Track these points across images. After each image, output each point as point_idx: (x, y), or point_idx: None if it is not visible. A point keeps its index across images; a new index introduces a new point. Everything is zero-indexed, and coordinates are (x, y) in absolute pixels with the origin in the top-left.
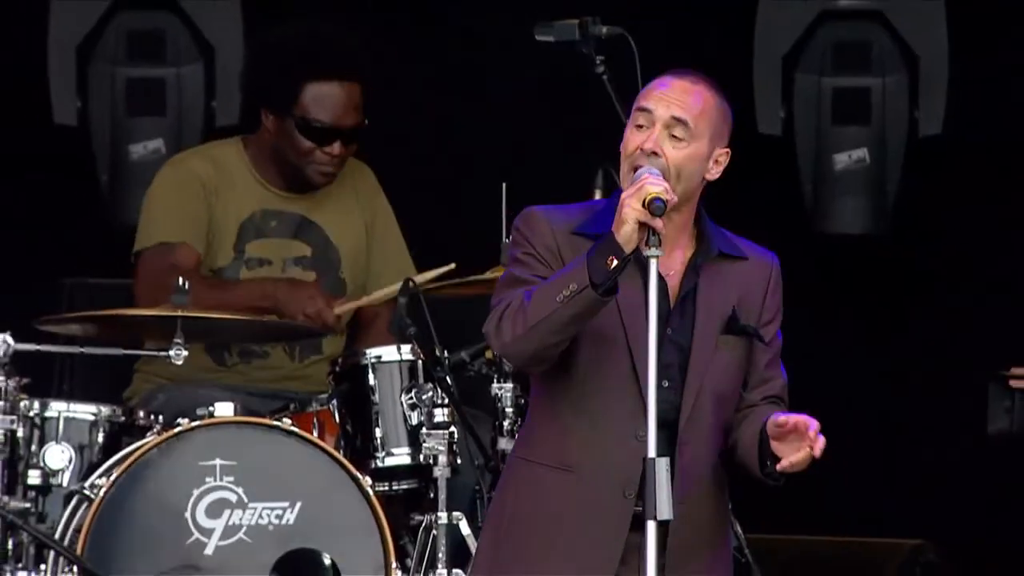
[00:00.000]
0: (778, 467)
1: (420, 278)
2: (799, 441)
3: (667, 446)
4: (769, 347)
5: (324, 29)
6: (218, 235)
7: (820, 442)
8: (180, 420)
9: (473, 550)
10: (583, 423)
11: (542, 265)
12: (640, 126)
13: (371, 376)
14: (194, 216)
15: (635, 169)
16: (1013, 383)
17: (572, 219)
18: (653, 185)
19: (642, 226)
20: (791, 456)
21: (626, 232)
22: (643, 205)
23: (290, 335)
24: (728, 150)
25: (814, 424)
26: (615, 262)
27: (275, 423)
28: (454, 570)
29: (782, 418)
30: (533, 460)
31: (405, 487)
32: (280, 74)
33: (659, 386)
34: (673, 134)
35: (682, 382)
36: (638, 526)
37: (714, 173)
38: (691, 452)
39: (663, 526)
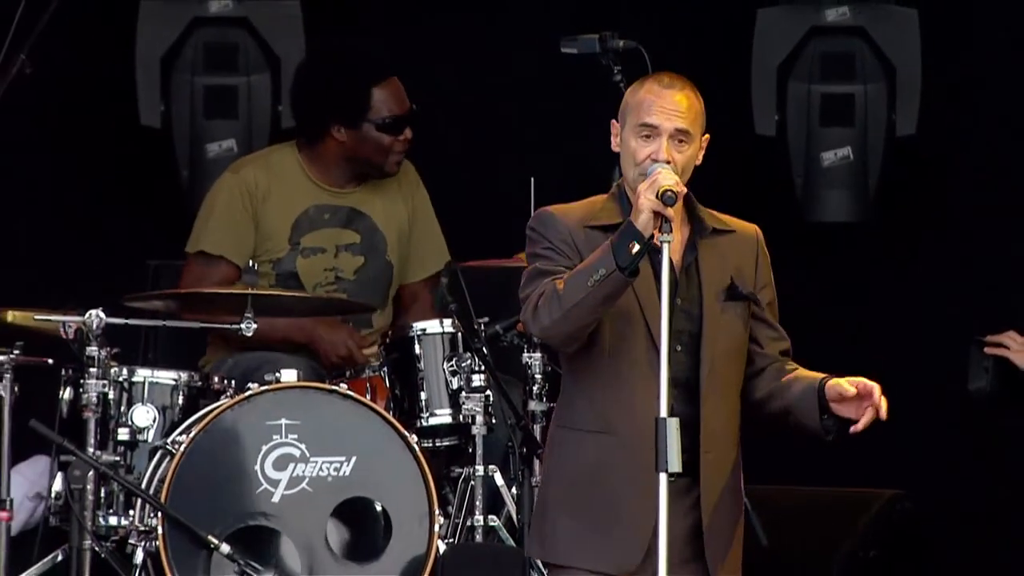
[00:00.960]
0: (852, 429)
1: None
2: (859, 403)
3: (688, 403)
4: (771, 306)
5: (352, 43)
6: (273, 232)
7: (884, 404)
8: (250, 385)
9: (506, 499)
10: (614, 391)
11: (562, 257)
12: (647, 136)
13: (417, 346)
14: (237, 230)
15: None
16: (988, 350)
17: (581, 215)
18: (665, 179)
19: (656, 215)
20: (864, 419)
21: (643, 220)
22: (657, 197)
23: (345, 310)
24: (708, 136)
25: (877, 389)
26: (636, 247)
27: (333, 388)
28: (489, 515)
29: (847, 386)
30: (575, 428)
31: (446, 443)
32: (349, 91)
33: (673, 351)
34: (677, 140)
35: (695, 346)
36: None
37: (700, 158)
38: (711, 406)
39: (684, 476)
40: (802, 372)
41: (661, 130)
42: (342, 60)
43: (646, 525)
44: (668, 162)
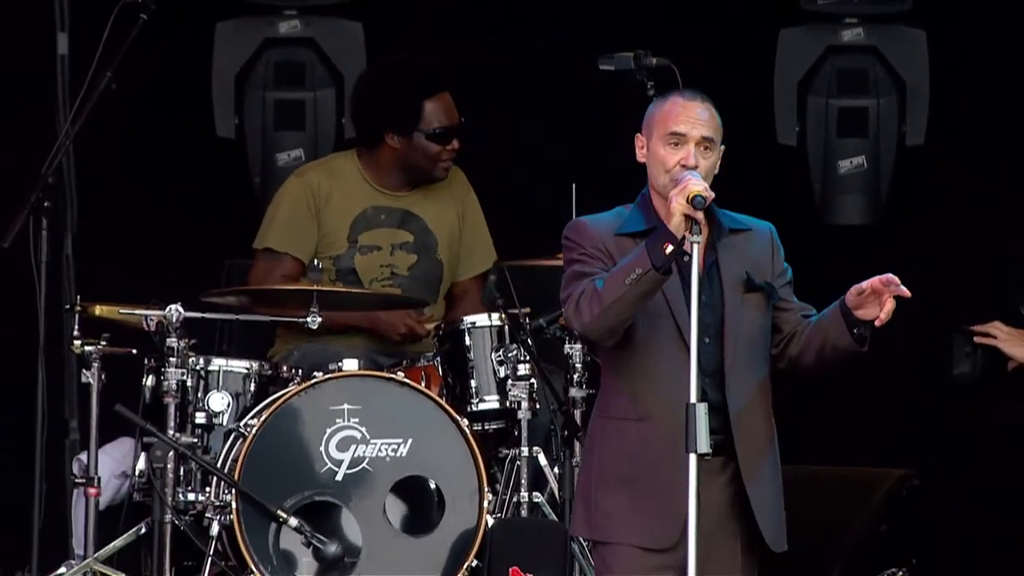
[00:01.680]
0: (877, 321)
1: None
2: (876, 299)
3: (718, 389)
4: (789, 286)
5: (409, 57)
6: (333, 230)
7: (896, 282)
8: (315, 373)
9: (548, 477)
10: (649, 382)
11: (597, 261)
12: (675, 144)
13: (467, 338)
14: (300, 229)
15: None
16: (977, 339)
17: (611, 223)
18: (695, 185)
19: (687, 218)
20: (885, 308)
21: (675, 223)
22: (687, 201)
23: (399, 305)
24: (723, 146)
25: (889, 277)
26: (670, 247)
27: (391, 376)
28: (533, 492)
29: (861, 284)
30: (615, 417)
31: (494, 427)
32: (403, 102)
33: (702, 342)
34: (703, 147)
35: (720, 336)
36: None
37: (717, 167)
38: (736, 388)
39: (716, 456)
40: (810, 321)
41: (688, 138)
42: (398, 73)
43: (683, 503)
44: (696, 167)
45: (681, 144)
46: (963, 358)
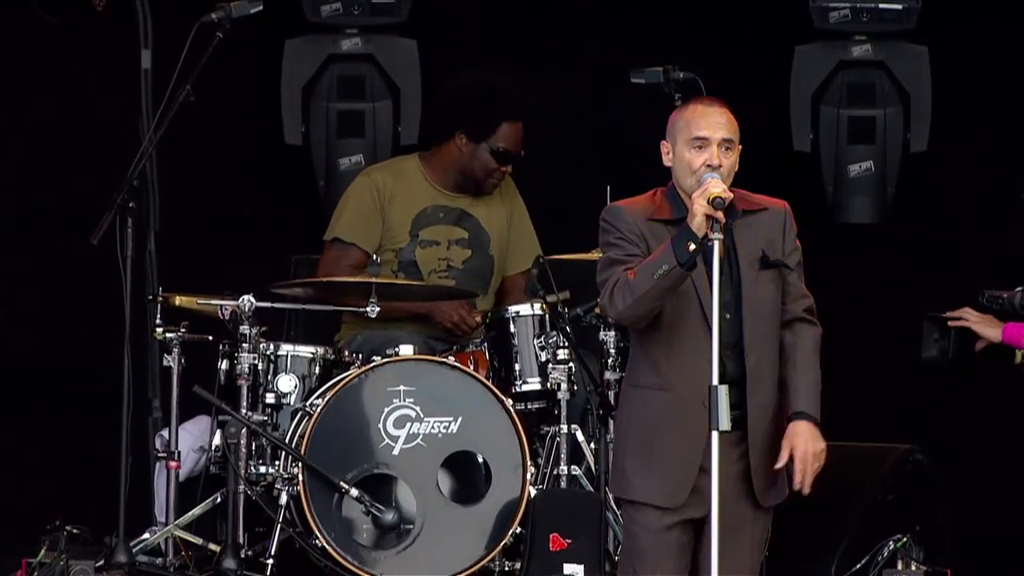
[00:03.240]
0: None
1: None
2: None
3: (736, 360)
4: (796, 269)
5: (506, 80)
6: (396, 225)
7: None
8: (374, 357)
9: (585, 452)
10: (672, 355)
11: (632, 245)
12: (699, 147)
13: (512, 325)
14: (367, 222)
15: (699, 180)
16: (951, 323)
17: (645, 209)
18: (714, 187)
19: (708, 217)
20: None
21: (697, 223)
22: (708, 202)
23: (453, 296)
24: (740, 146)
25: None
26: (692, 246)
27: (443, 360)
28: (572, 466)
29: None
30: (640, 385)
31: (536, 406)
32: (485, 113)
33: (723, 318)
34: (724, 148)
35: (739, 312)
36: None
37: (737, 166)
38: (755, 360)
39: (737, 429)
40: (793, 381)
41: (711, 140)
42: (493, 88)
43: (693, 467)
44: (719, 166)
45: (705, 147)
46: (931, 343)
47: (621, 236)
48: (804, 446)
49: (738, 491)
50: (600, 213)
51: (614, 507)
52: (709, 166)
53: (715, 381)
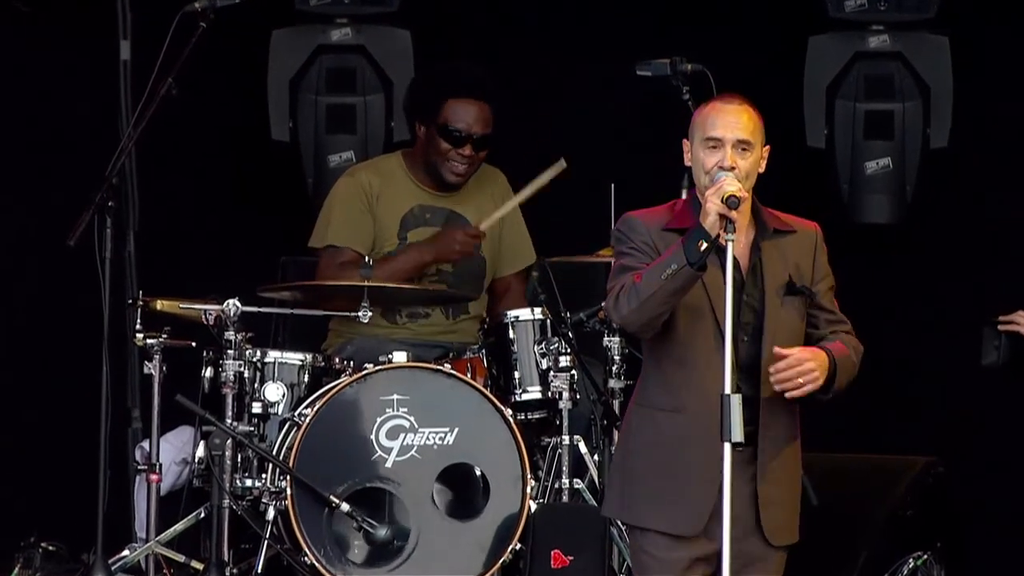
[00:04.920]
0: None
1: (536, 182)
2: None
3: (751, 386)
4: (829, 292)
5: (464, 63)
6: (384, 227)
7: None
8: (366, 365)
9: (589, 465)
10: (686, 375)
11: (643, 255)
12: (713, 148)
13: (511, 331)
14: (358, 224)
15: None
16: (1001, 327)
17: (660, 219)
18: (729, 185)
19: (721, 217)
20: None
21: (710, 222)
22: (722, 201)
23: (445, 299)
24: (768, 146)
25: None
26: (704, 245)
27: (438, 367)
28: (574, 479)
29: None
30: (651, 407)
31: (537, 416)
32: (429, 94)
33: (740, 340)
34: (740, 149)
35: (758, 336)
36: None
37: (763, 166)
38: (770, 387)
39: (747, 446)
40: (828, 340)
41: (724, 141)
42: (437, 72)
43: (711, 493)
44: (732, 168)
45: (718, 147)
46: (991, 350)
47: (633, 246)
48: (804, 354)
49: (749, 523)
50: (601, 211)
51: (619, 523)
52: (721, 167)
53: (728, 390)
